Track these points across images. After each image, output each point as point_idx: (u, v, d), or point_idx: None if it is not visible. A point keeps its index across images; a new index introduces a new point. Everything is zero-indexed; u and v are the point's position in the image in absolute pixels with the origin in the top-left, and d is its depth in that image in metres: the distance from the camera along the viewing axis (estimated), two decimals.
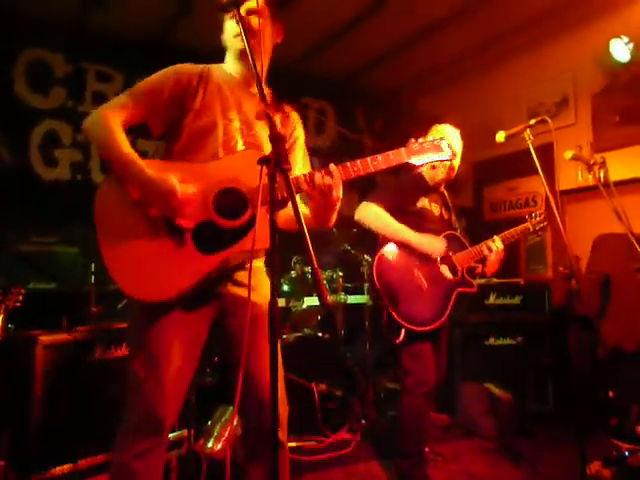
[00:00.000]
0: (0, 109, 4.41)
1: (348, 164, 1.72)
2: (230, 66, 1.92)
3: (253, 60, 1.49)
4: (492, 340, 4.09)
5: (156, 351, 1.66)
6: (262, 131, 1.86)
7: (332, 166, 1.70)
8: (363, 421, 3.71)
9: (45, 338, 2.43)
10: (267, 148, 1.83)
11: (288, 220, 1.81)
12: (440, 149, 1.84)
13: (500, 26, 4.77)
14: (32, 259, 4.03)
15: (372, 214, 2.81)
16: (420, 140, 1.82)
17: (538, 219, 2.99)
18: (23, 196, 4.41)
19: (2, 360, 2.52)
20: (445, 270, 2.83)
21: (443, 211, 3.01)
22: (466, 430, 3.70)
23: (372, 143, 6.24)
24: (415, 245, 2.74)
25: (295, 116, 2.04)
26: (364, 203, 2.86)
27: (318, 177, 1.68)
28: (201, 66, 1.86)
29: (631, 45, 3.53)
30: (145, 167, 1.63)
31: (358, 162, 1.73)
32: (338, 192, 1.69)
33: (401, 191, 2.90)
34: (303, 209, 1.80)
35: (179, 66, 1.82)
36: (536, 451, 3.37)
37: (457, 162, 2.98)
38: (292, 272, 3.94)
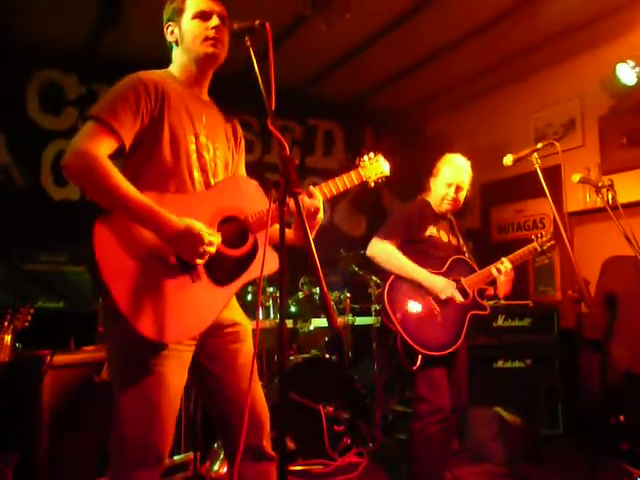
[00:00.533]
0: (13, 130, 4.47)
1: (323, 185, 1.86)
2: (181, 70, 1.83)
3: (268, 85, 1.50)
4: (501, 363, 4.05)
5: (151, 389, 1.59)
6: (223, 144, 1.87)
7: (312, 188, 1.79)
8: (371, 444, 3.67)
9: (52, 358, 2.43)
10: (228, 158, 1.89)
11: (274, 237, 1.75)
12: (381, 164, 2.05)
13: (508, 49, 4.81)
14: (41, 278, 4.05)
15: (383, 252, 2.88)
16: (365, 159, 2.02)
17: (545, 238, 2.98)
18: (34, 215, 4.45)
19: (10, 380, 2.52)
20: (456, 294, 2.84)
21: (451, 237, 3.05)
22: (475, 455, 3.64)
23: None
24: (425, 285, 2.80)
25: (238, 125, 2.03)
26: (375, 239, 2.92)
27: (306, 200, 1.74)
28: (155, 74, 1.75)
29: (637, 69, 3.56)
30: (168, 214, 1.55)
31: (330, 183, 1.87)
32: (322, 213, 1.80)
33: (409, 222, 2.95)
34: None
35: (143, 76, 1.70)
36: (546, 476, 3.31)
37: (463, 194, 3.02)
38: (299, 293, 3.94)
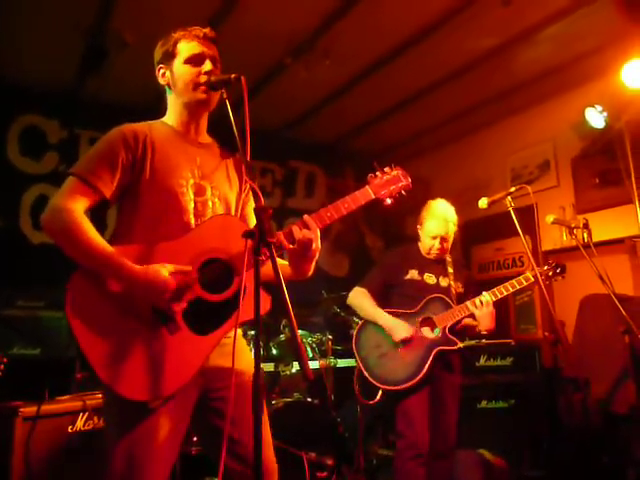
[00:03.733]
0: None
1: (321, 211, 1.73)
2: (173, 114, 1.83)
3: (244, 134, 1.51)
4: (484, 403, 4.02)
5: (141, 451, 1.54)
6: (222, 182, 1.83)
7: (307, 217, 1.70)
8: None
9: (25, 410, 2.37)
10: (230, 197, 1.83)
11: (269, 275, 1.59)
12: (399, 179, 1.94)
13: (484, 93, 5.00)
14: (17, 324, 3.97)
15: (355, 298, 3.13)
16: (378, 174, 1.91)
17: (546, 268, 2.96)
18: (11, 259, 4.40)
19: None
20: (426, 331, 2.96)
21: (441, 279, 3.13)
22: None
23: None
24: (384, 327, 2.97)
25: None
26: (355, 288, 3.16)
27: (297, 231, 1.66)
28: (143, 124, 1.77)
29: (605, 113, 3.69)
30: (131, 265, 1.54)
31: (330, 207, 1.75)
32: (317, 243, 1.68)
33: (383, 270, 3.20)
34: (281, 262, 1.76)
35: (124, 129, 1.72)
36: None
37: (449, 242, 3.14)
38: (281, 336, 3.91)
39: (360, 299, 3.09)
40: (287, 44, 4.17)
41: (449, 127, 5.67)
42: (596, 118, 3.76)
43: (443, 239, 3.10)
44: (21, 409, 2.36)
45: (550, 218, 2.85)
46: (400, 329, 2.92)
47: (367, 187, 1.86)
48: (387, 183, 1.90)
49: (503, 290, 2.92)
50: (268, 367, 3.76)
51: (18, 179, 4.59)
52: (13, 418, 2.33)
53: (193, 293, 1.60)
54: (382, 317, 2.99)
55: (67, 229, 1.57)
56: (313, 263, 1.75)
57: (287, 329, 3.94)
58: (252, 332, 3.80)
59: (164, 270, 1.56)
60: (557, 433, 3.81)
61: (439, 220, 3.10)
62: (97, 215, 1.68)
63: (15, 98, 4.59)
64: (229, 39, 3.88)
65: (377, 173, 1.91)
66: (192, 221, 1.71)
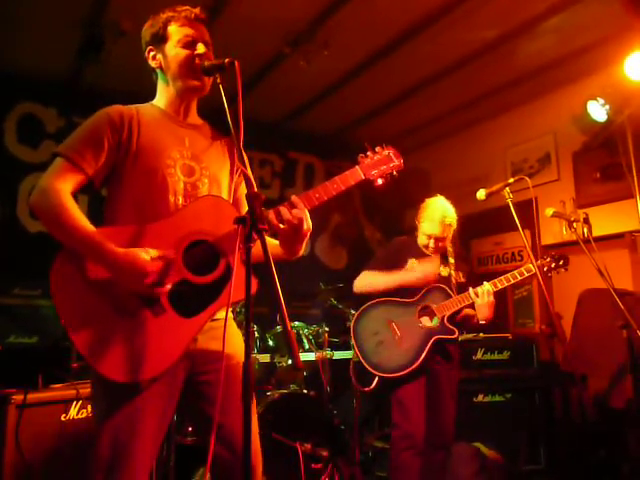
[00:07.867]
0: None
1: (310, 192, 1.69)
2: (164, 97, 1.81)
3: (237, 122, 1.50)
4: (481, 397, 4.01)
5: (127, 435, 1.53)
6: (213, 163, 1.80)
7: (295, 197, 1.66)
8: None
9: (18, 397, 2.36)
10: (221, 178, 1.80)
11: (259, 255, 1.49)
12: (391, 159, 1.87)
13: (485, 86, 4.96)
14: (15, 312, 3.96)
15: (364, 279, 3.10)
16: (369, 154, 1.85)
17: (548, 259, 2.96)
18: (8, 247, 4.39)
19: None
20: (425, 320, 2.95)
21: (441, 269, 3.11)
22: None
23: (360, 196, 6.32)
24: (408, 280, 2.96)
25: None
26: (362, 273, 3.13)
27: (285, 212, 1.61)
28: (130, 106, 1.75)
29: (607, 106, 3.65)
30: (112, 246, 1.51)
31: (319, 188, 1.71)
32: (308, 223, 1.64)
33: (384, 259, 3.17)
34: (272, 241, 1.74)
35: (110, 110, 1.70)
36: None
37: (448, 239, 3.12)
38: (277, 327, 3.89)
39: (372, 275, 3.07)
40: (285, 34, 4.13)
41: (449, 119, 5.63)
42: (598, 111, 3.72)
43: (438, 239, 3.08)
44: (13, 396, 2.35)
45: (550, 211, 2.83)
46: (428, 268, 2.94)
47: (357, 167, 1.81)
48: (378, 163, 1.84)
49: (504, 281, 2.91)
50: (264, 358, 3.74)
51: (15, 167, 4.56)
52: (5, 405, 2.32)
53: (178, 275, 1.58)
54: (405, 273, 2.99)
55: (52, 209, 1.56)
56: (304, 243, 1.71)
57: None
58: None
59: (144, 254, 1.52)
60: (553, 427, 3.81)
61: (435, 222, 3.07)
62: (96, 208, 1.66)
63: (13, 86, 4.55)
64: (227, 29, 3.89)
65: (368, 153, 1.86)
66: (181, 202, 1.70)
